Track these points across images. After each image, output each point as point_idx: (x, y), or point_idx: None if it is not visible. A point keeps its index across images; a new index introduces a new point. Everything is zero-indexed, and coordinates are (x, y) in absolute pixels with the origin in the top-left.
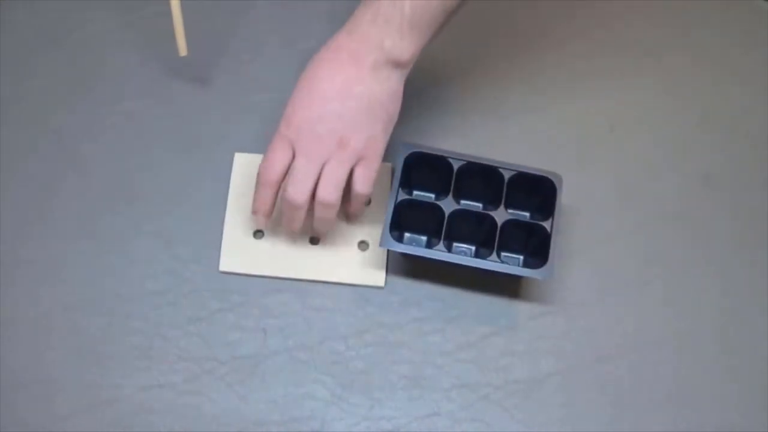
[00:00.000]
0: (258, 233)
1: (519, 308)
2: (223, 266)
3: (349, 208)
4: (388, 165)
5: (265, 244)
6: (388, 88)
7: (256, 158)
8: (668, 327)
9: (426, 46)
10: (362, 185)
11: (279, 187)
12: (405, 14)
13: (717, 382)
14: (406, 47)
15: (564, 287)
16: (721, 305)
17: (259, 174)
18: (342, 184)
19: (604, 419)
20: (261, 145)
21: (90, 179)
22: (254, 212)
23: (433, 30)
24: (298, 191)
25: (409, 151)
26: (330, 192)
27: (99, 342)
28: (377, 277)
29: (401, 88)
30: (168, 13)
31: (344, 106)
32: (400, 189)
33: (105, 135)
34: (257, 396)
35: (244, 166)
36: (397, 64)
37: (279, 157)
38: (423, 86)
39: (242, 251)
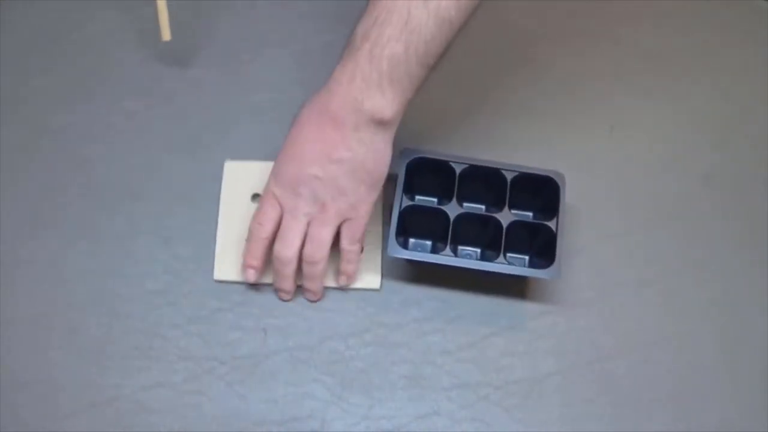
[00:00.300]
0: None
1: (519, 308)
2: (218, 275)
3: (340, 267)
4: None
5: None
6: (372, 149)
7: (246, 165)
8: (668, 327)
9: (409, 102)
10: (348, 241)
11: (270, 243)
12: (383, 72)
13: (717, 382)
14: (387, 105)
15: (564, 287)
16: (721, 305)
17: (250, 230)
18: (326, 243)
19: (604, 419)
20: (260, 145)
21: (90, 179)
22: (246, 267)
23: (415, 85)
24: (285, 248)
25: (411, 157)
26: (314, 250)
27: (99, 342)
28: (373, 280)
29: (388, 147)
30: (168, 13)
31: (325, 171)
32: (403, 195)
33: (105, 135)
34: (257, 396)
35: (234, 173)
36: (380, 123)
37: (269, 214)
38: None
39: (236, 259)
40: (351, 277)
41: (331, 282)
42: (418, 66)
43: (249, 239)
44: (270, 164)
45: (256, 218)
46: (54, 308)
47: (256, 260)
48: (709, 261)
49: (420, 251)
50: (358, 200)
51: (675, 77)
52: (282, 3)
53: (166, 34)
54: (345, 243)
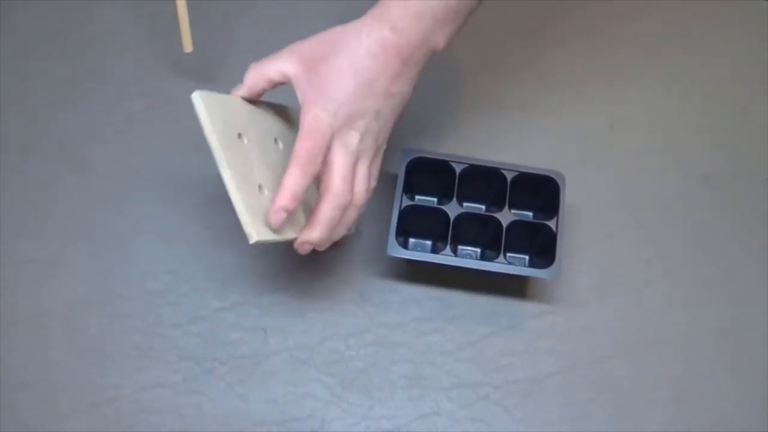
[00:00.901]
0: (261, 188)
1: (519, 308)
2: (256, 236)
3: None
4: None
5: (270, 199)
6: (417, 81)
7: (220, 99)
8: (668, 327)
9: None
10: (375, 179)
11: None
12: (451, 7)
13: (717, 381)
14: (446, 37)
15: (564, 287)
16: (721, 305)
17: (298, 158)
18: (374, 181)
19: (604, 419)
20: None
21: (90, 179)
22: (282, 210)
23: (467, 15)
24: (347, 189)
25: (411, 157)
26: (365, 191)
27: (99, 342)
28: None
29: None
30: (168, 13)
31: (385, 105)
32: (403, 195)
33: (105, 135)
34: (257, 396)
35: (212, 106)
36: (433, 54)
37: (320, 145)
38: (422, 88)
39: (263, 214)
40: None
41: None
42: None
43: (298, 170)
44: (239, 98)
45: (307, 144)
46: (54, 308)
47: (297, 201)
48: (709, 261)
49: (420, 251)
50: (388, 132)
51: (675, 77)
52: (282, 3)
53: (188, 46)
54: (373, 181)
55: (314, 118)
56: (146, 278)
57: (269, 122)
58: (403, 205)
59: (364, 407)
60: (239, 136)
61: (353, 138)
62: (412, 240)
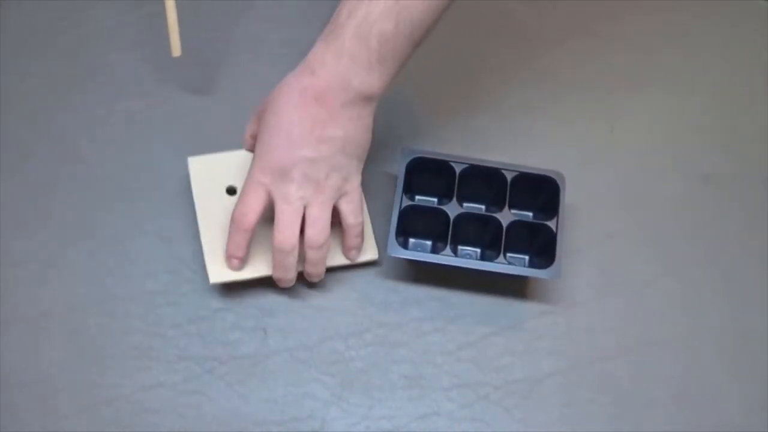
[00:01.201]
0: None
1: (519, 308)
2: (213, 278)
3: (347, 243)
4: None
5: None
6: (360, 124)
7: (212, 159)
8: (668, 327)
9: (395, 78)
10: (353, 216)
11: (253, 233)
12: (372, 49)
13: (717, 381)
14: (375, 82)
15: (564, 287)
16: (722, 305)
17: (233, 220)
18: (328, 224)
19: (604, 419)
20: None
21: (90, 179)
22: (229, 257)
23: (402, 62)
24: (286, 237)
25: (411, 157)
26: (318, 234)
27: (99, 342)
28: (370, 251)
29: (372, 119)
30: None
31: (317, 151)
32: (403, 195)
33: (105, 135)
34: (257, 396)
35: (201, 168)
36: (367, 99)
37: (253, 203)
38: (422, 88)
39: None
40: (359, 249)
41: (336, 260)
42: (407, 42)
43: (232, 230)
44: (235, 153)
45: (239, 208)
46: (54, 308)
47: (241, 251)
48: (709, 261)
49: (420, 251)
50: (349, 173)
51: (675, 77)
52: (282, 3)
53: (177, 50)
54: (350, 219)
55: (249, 181)
56: (146, 278)
57: None
58: (403, 205)
59: (364, 407)
60: (229, 190)
61: (290, 188)
62: (412, 240)
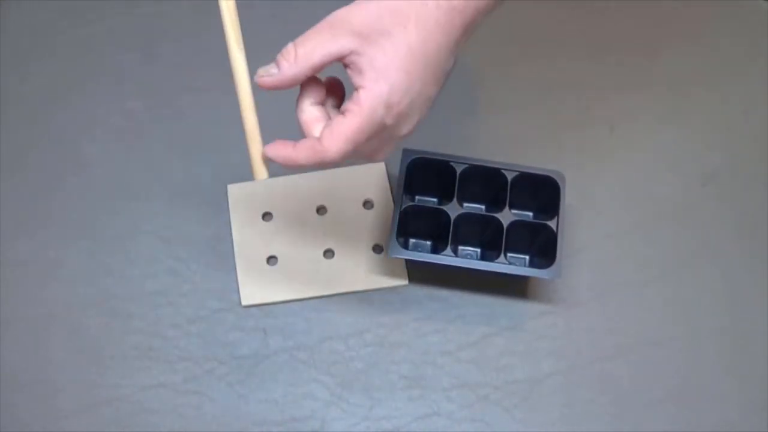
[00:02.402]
0: (272, 259)
1: (519, 308)
2: (246, 300)
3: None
4: (382, 165)
5: (280, 268)
6: None
7: (248, 186)
8: (668, 327)
9: None
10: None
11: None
12: None
13: (717, 381)
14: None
15: (564, 287)
16: (722, 305)
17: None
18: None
19: (604, 419)
20: None
21: (90, 179)
22: (273, 155)
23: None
24: (338, 151)
25: (411, 157)
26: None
27: (99, 342)
28: (400, 275)
29: None
30: (169, 13)
31: (439, 88)
32: (404, 195)
33: (105, 135)
34: (257, 396)
35: (239, 195)
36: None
37: (369, 132)
38: None
39: (260, 281)
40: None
41: (363, 285)
42: None
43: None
44: (273, 180)
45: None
46: (54, 308)
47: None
48: (709, 261)
49: (420, 251)
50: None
51: (675, 77)
52: (282, 3)
53: (262, 173)
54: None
55: (369, 114)
56: (146, 278)
57: (313, 192)
58: (404, 205)
59: (364, 407)
60: (264, 215)
61: (402, 127)
62: (412, 240)
